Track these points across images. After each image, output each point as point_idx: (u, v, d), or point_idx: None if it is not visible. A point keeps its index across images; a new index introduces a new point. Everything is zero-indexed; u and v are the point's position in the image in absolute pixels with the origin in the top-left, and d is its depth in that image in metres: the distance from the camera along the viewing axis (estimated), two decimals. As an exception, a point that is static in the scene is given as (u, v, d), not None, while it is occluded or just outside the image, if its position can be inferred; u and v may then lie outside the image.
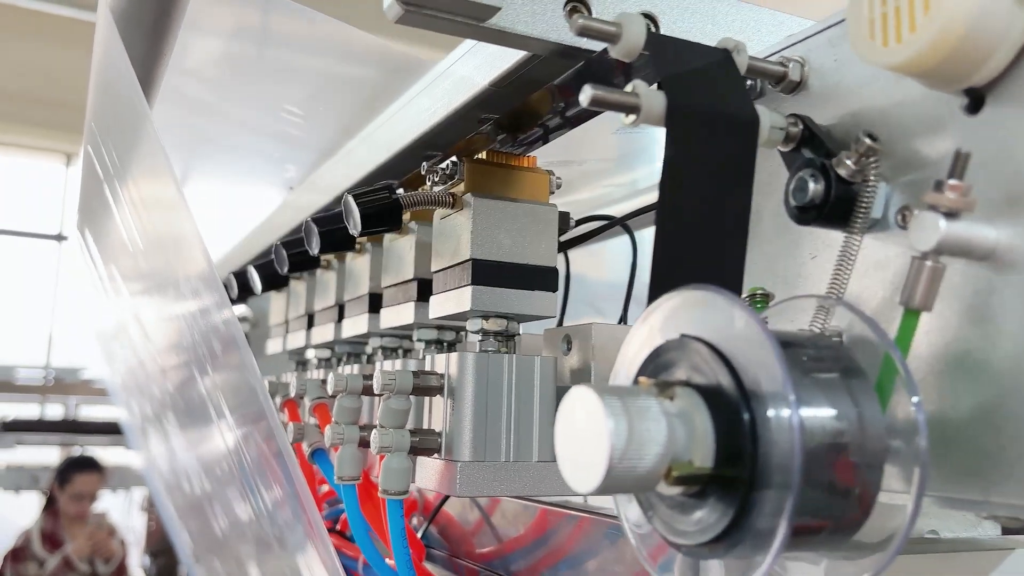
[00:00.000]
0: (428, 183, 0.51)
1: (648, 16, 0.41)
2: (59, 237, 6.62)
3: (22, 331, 6.46)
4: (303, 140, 0.77)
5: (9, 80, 5.95)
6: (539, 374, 0.46)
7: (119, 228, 0.61)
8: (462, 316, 0.49)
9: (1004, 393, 0.28)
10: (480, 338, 0.48)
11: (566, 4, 0.39)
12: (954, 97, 0.31)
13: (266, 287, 0.75)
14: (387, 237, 0.59)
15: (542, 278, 0.48)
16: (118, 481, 4.14)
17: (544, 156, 0.56)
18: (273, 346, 0.86)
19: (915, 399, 0.28)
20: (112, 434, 4.54)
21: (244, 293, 0.78)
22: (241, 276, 0.78)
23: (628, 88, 0.32)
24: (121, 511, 4.09)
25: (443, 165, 0.50)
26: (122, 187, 0.55)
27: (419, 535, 0.66)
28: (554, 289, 0.48)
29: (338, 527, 0.71)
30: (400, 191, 0.52)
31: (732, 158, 0.33)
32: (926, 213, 0.29)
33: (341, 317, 0.67)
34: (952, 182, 0.29)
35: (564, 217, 0.52)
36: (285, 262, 0.63)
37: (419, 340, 0.55)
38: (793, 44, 0.38)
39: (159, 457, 0.92)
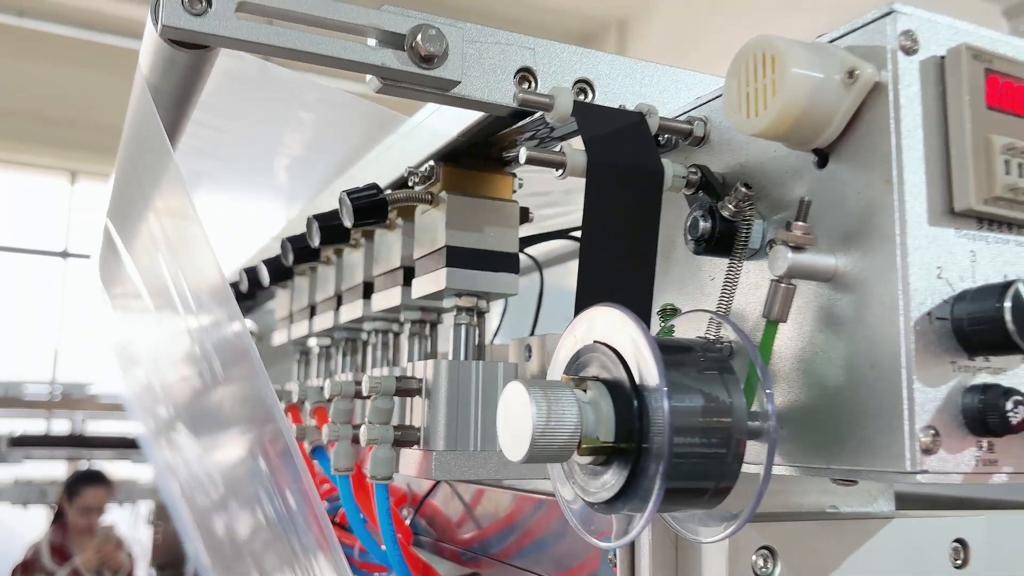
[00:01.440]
0: (410, 184, 0.60)
1: (586, 82, 0.50)
2: (64, 254, 6.72)
3: (28, 347, 6.54)
4: (305, 176, 0.86)
5: (15, 99, 6.06)
6: (502, 377, 0.55)
7: (143, 250, 0.70)
8: (439, 295, 0.57)
9: (840, 385, 0.37)
10: (455, 313, 0.56)
11: (516, 73, 0.48)
12: (808, 155, 0.40)
13: (273, 280, 0.85)
14: (377, 232, 0.68)
15: (505, 261, 0.57)
16: (125, 495, 4.18)
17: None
18: (279, 337, 0.94)
19: (768, 391, 0.37)
20: (119, 448, 4.60)
21: (253, 287, 0.87)
22: (251, 272, 0.87)
23: (557, 149, 0.40)
24: (128, 524, 4.14)
25: (422, 168, 0.59)
26: (147, 213, 0.64)
27: (407, 523, 0.75)
28: (516, 271, 0.57)
29: (337, 519, 0.80)
30: (388, 191, 0.61)
31: (641, 203, 0.41)
32: (779, 246, 0.37)
33: (340, 304, 0.76)
34: (798, 223, 0.37)
35: (524, 212, 0.61)
36: (290, 253, 0.72)
37: (405, 320, 0.64)
38: (699, 105, 0.47)
39: (177, 468, 0.99)
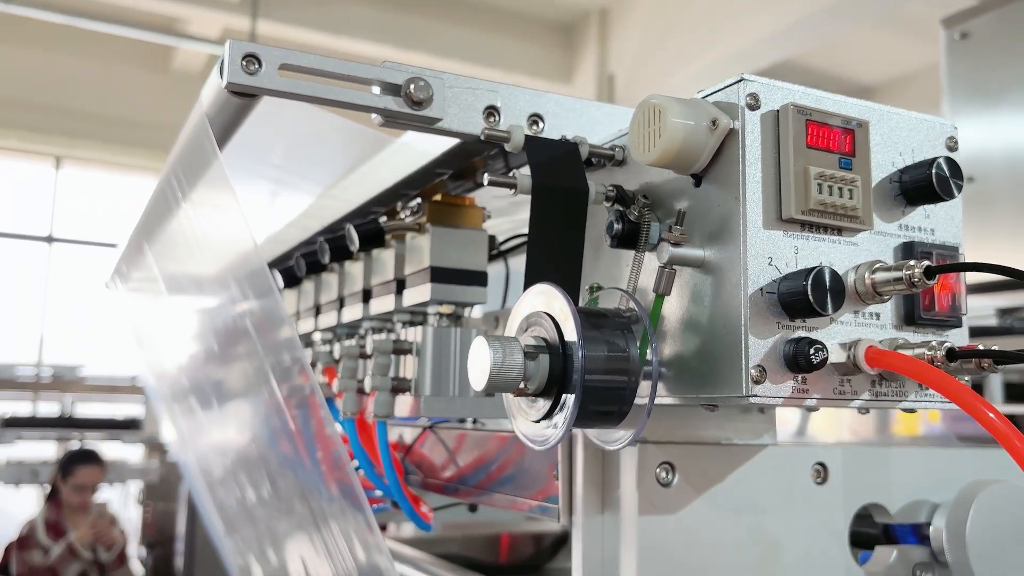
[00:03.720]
0: (402, 215, 0.76)
1: (538, 115, 0.66)
2: (49, 239, 6.81)
3: (14, 331, 6.64)
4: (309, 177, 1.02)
5: (0, 84, 6.13)
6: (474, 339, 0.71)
7: (183, 239, 0.85)
8: (425, 304, 0.73)
9: (705, 339, 0.53)
10: (437, 318, 0.73)
11: (484, 110, 0.64)
12: (688, 178, 0.56)
13: (287, 285, 1.01)
14: (375, 251, 0.84)
15: (476, 278, 0.73)
16: (115, 475, 4.27)
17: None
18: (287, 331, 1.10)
19: (653, 345, 0.53)
20: (110, 429, 4.72)
21: None
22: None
23: (511, 174, 0.56)
24: (118, 503, 4.25)
25: (412, 204, 0.75)
26: (187, 208, 0.79)
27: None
28: (484, 285, 0.73)
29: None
30: (383, 218, 0.77)
31: (572, 212, 0.57)
32: (663, 243, 0.53)
33: (342, 307, 0.92)
34: (677, 227, 0.54)
35: (492, 239, 0.77)
36: (304, 268, 0.88)
37: (398, 321, 0.80)
38: (620, 136, 0.63)
39: (199, 434, 1.13)
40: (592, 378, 0.50)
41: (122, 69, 6.42)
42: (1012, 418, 1.69)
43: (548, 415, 0.51)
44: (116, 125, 6.50)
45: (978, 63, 1.89)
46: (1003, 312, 1.63)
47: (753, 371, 0.50)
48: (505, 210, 0.94)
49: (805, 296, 0.50)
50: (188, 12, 5.74)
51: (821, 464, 0.69)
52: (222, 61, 0.56)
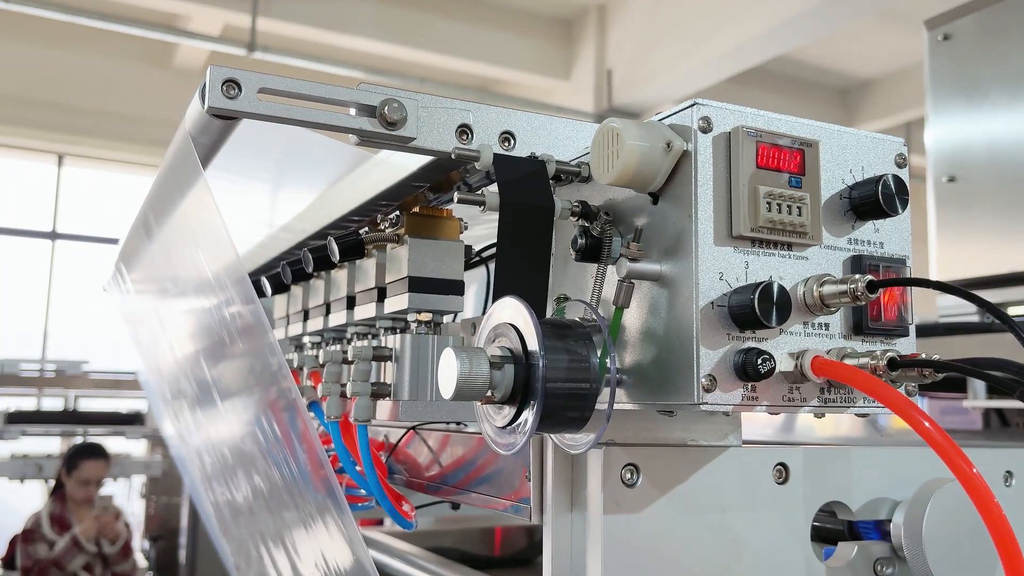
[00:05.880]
0: (382, 226, 0.79)
1: (509, 133, 0.69)
2: (52, 235, 6.85)
3: (18, 327, 6.69)
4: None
5: (2, 82, 6.16)
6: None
7: (171, 249, 0.88)
8: (405, 312, 0.76)
9: (661, 350, 0.56)
10: (416, 325, 0.76)
11: (457, 128, 0.67)
12: (647, 196, 0.59)
13: (274, 292, 1.04)
14: (358, 260, 0.87)
15: (453, 287, 0.76)
16: (119, 469, 4.31)
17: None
18: (277, 334, 1.13)
19: (612, 354, 0.56)
20: (114, 424, 4.76)
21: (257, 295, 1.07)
22: (256, 284, 1.06)
23: (479, 192, 0.59)
24: (122, 497, 4.29)
25: (391, 216, 0.78)
26: (178, 218, 0.82)
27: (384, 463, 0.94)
28: (461, 294, 0.77)
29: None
30: (365, 229, 0.80)
31: (538, 228, 0.60)
32: (621, 258, 0.57)
33: (328, 312, 0.95)
34: (634, 243, 0.57)
35: (468, 248, 0.80)
36: (289, 275, 0.91)
37: (380, 327, 0.83)
38: (587, 153, 0.66)
39: (191, 433, 1.17)
40: (553, 386, 0.54)
41: (123, 66, 6.45)
42: (998, 412, 1.71)
43: (513, 421, 0.55)
44: (118, 122, 6.54)
45: (960, 64, 1.92)
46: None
47: (704, 380, 0.53)
48: (484, 215, 0.97)
49: (752, 309, 0.53)
50: (189, 9, 5.77)
51: (782, 465, 0.72)
52: (204, 85, 0.59)
